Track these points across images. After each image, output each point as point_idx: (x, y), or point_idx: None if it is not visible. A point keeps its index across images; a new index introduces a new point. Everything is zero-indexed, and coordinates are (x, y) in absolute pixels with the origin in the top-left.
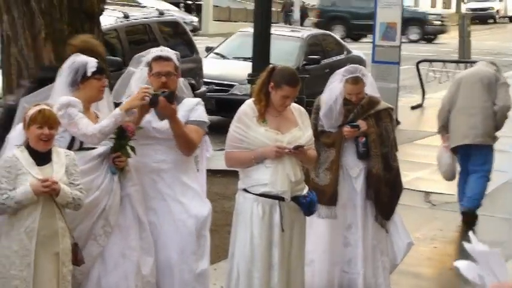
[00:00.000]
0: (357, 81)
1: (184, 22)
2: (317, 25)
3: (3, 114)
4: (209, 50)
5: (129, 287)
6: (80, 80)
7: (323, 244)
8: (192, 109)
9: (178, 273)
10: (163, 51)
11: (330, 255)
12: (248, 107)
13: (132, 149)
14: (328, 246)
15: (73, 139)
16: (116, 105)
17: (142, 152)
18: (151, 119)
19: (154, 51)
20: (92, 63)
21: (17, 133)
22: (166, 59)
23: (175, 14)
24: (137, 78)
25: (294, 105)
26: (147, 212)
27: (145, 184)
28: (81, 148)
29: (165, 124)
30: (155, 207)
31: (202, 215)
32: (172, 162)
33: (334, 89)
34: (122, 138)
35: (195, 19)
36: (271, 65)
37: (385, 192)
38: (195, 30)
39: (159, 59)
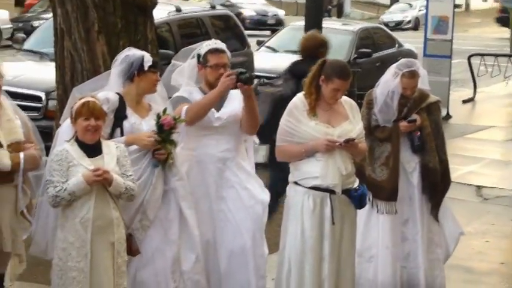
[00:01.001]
0: (413, 75)
1: (267, 15)
2: None
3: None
4: (260, 43)
5: (163, 282)
6: (136, 73)
7: (385, 240)
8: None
9: (252, 258)
10: (217, 43)
11: (392, 251)
12: (299, 100)
13: (172, 142)
14: (390, 242)
15: (112, 132)
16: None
17: (205, 143)
18: (212, 110)
19: (208, 44)
20: (148, 57)
21: (65, 127)
22: (222, 51)
23: (261, 6)
24: (187, 71)
25: (345, 99)
26: (216, 201)
27: (212, 174)
28: None
29: (224, 113)
30: (224, 195)
31: (266, 201)
32: (234, 150)
33: (388, 83)
34: (161, 131)
35: (281, 12)
36: (322, 58)
37: (439, 186)
38: (279, 23)
39: (215, 51)
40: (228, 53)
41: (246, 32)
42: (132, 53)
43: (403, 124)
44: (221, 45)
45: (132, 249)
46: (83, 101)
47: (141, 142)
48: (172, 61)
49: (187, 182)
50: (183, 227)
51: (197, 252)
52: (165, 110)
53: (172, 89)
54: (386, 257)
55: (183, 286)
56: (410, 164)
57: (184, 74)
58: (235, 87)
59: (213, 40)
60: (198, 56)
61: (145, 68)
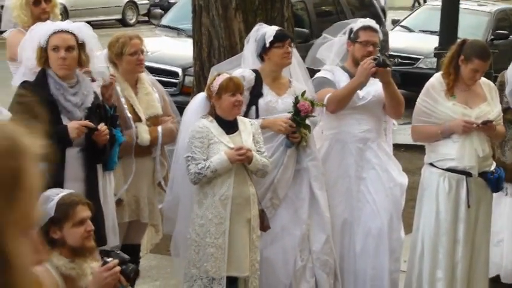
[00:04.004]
0: None
1: None
2: None
3: None
4: (395, 23)
5: (291, 259)
6: (263, 52)
7: None
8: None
9: (388, 241)
10: (372, 22)
11: None
12: (436, 80)
13: (306, 126)
14: None
15: (247, 110)
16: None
17: (346, 122)
18: None
19: (362, 21)
20: (270, 32)
21: (197, 103)
22: (375, 30)
23: None
24: (336, 46)
25: (484, 80)
26: (356, 181)
27: (352, 153)
28: None
29: (368, 93)
30: (364, 176)
31: (405, 184)
32: (375, 131)
33: None
34: (297, 115)
35: None
36: (461, 38)
37: None
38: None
39: (368, 28)
40: (380, 34)
41: None
42: (260, 29)
43: None
44: (375, 24)
45: (264, 225)
46: (227, 76)
47: (276, 127)
48: (324, 34)
49: (321, 162)
50: (313, 207)
51: (327, 233)
52: (303, 93)
53: (318, 62)
54: None
55: (311, 265)
56: None
57: (332, 49)
58: (375, 73)
59: (367, 19)
60: (350, 31)
61: (268, 45)
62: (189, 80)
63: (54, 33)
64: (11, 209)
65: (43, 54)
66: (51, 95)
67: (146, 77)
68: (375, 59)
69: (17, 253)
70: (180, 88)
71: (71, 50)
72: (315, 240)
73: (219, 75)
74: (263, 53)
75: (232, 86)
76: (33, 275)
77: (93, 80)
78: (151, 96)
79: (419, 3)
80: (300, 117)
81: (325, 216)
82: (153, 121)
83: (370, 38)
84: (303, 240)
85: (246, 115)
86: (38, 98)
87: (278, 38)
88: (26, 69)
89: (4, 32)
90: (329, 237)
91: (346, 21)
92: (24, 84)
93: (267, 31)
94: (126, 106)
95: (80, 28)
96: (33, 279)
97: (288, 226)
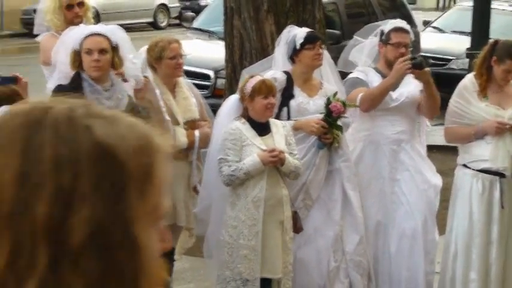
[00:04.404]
0: None
1: None
2: None
3: None
4: (426, 23)
5: (324, 260)
6: (293, 54)
7: None
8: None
9: (422, 242)
10: (403, 23)
11: None
12: (469, 81)
13: (338, 127)
14: None
15: (279, 111)
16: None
17: (379, 123)
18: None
19: (393, 23)
20: (300, 34)
21: (230, 105)
22: (406, 31)
23: None
24: (367, 48)
25: None
26: (390, 183)
27: (386, 155)
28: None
29: (401, 94)
30: (398, 177)
31: (439, 185)
32: (409, 132)
33: None
34: (329, 116)
35: None
36: (493, 39)
37: None
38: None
39: (400, 30)
40: (411, 35)
41: None
42: (291, 31)
43: None
44: (406, 25)
45: (297, 227)
46: (260, 78)
47: (308, 128)
48: (355, 36)
49: (353, 163)
50: (346, 208)
51: (361, 234)
52: (335, 94)
53: (350, 64)
54: None
55: (344, 266)
56: None
57: (364, 51)
58: (410, 73)
59: (397, 20)
60: (381, 33)
61: (298, 47)
62: (220, 82)
63: (88, 36)
64: (143, 203)
65: (77, 57)
66: (85, 98)
67: (184, 81)
68: (412, 59)
69: (148, 242)
70: (211, 90)
71: (104, 52)
72: (348, 241)
73: (251, 77)
74: (294, 55)
75: (264, 89)
76: (160, 261)
77: (125, 81)
78: (189, 100)
79: (448, 6)
80: (332, 118)
81: (358, 217)
82: (190, 125)
83: (402, 40)
84: (336, 241)
85: (277, 117)
86: None
87: (308, 40)
88: (60, 73)
89: (37, 35)
90: (362, 238)
91: (376, 23)
92: (59, 87)
93: (297, 33)
94: (164, 109)
95: (113, 31)
96: (159, 266)
97: (321, 227)
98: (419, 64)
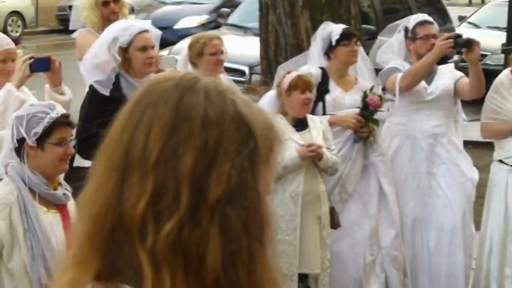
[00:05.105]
0: None
1: None
2: None
3: None
4: (462, 19)
5: (361, 254)
6: (329, 50)
7: None
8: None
9: (461, 236)
10: (424, 16)
11: None
12: (505, 77)
13: (375, 121)
14: None
15: (315, 106)
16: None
17: (415, 118)
18: (424, 85)
19: (415, 18)
20: (336, 31)
21: (267, 100)
22: (430, 22)
23: None
24: (395, 46)
25: None
26: (427, 177)
27: (423, 149)
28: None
29: (436, 87)
30: (435, 171)
31: (476, 179)
32: (445, 126)
33: None
34: (365, 109)
35: None
36: None
37: None
38: None
39: (424, 22)
40: (436, 25)
41: None
42: (327, 28)
43: None
44: (428, 17)
45: (334, 222)
46: (297, 74)
47: (345, 123)
48: (379, 37)
49: (388, 158)
50: (382, 202)
51: (397, 228)
52: (372, 88)
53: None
54: None
55: (380, 261)
56: None
57: (391, 49)
58: (453, 49)
59: (418, 14)
60: (406, 30)
61: (334, 44)
62: (255, 78)
63: (139, 33)
64: (265, 171)
65: (125, 54)
66: (123, 95)
67: (224, 78)
68: (458, 36)
69: (267, 209)
70: (246, 86)
71: (153, 48)
72: (384, 235)
73: (288, 73)
74: (329, 51)
75: (302, 84)
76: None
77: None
78: None
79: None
80: (368, 112)
81: (394, 212)
82: None
83: (429, 32)
84: (372, 235)
85: (312, 111)
86: (110, 96)
87: (344, 36)
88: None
89: (73, 32)
90: (398, 233)
91: (396, 22)
92: (98, 83)
93: (333, 29)
94: None
95: (151, 27)
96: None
97: (358, 221)
98: (466, 42)
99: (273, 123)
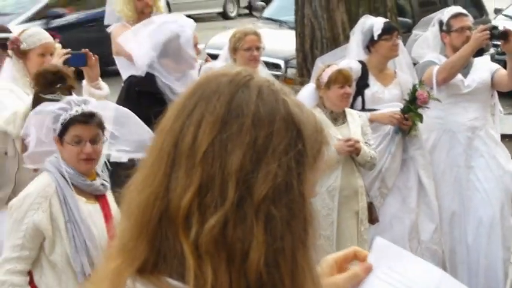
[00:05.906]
0: None
1: None
2: None
3: None
4: (498, 11)
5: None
6: (370, 43)
7: None
8: None
9: (500, 229)
10: (458, 8)
11: None
12: None
13: (419, 115)
14: None
15: (354, 100)
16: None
17: (453, 111)
18: (461, 77)
19: (449, 11)
20: (377, 25)
21: (306, 94)
22: (466, 14)
23: None
24: (430, 39)
25: None
26: (465, 170)
27: (461, 143)
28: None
29: (473, 80)
30: (473, 165)
31: None
32: (483, 119)
33: None
34: (412, 103)
35: None
36: None
37: None
38: None
39: (458, 15)
40: (470, 17)
41: None
42: (368, 21)
43: None
44: (462, 9)
45: (372, 218)
46: (336, 68)
47: (386, 120)
48: (414, 31)
49: (427, 152)
50: (421, 196)
51: (436, 222)
52: (421, 82)
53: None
54: None
55: (420, 255)
56: None
57: (427, 43)
58: (489, 41)
59: (452, 6)
60: (440, 23)
61: (376, 38)
62: (291, 71)
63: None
64: (311, 173)
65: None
66: (158, 89)
67: (264, 72)
68: (494, 28)
69: (311, 212)
70: (282, 80)
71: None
72: (423, 229)
73: (328, 66)
74: (370, 45)
75: (341, 78)
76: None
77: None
78: None
79: None
80: (414, 106)
81: (434, 205)
82: None
83: (464, 24)
84: (412, 229)
85: (351, 106)
86: (146, 92)
87: (386, 31)
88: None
89: (107, 26)
90: (438, 227)
91: (429, 16)
92: (131, 78)
93: (374, 23)
94: None
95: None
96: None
97: (397, 215)
98: (502, 34)
99: (322, 127)
